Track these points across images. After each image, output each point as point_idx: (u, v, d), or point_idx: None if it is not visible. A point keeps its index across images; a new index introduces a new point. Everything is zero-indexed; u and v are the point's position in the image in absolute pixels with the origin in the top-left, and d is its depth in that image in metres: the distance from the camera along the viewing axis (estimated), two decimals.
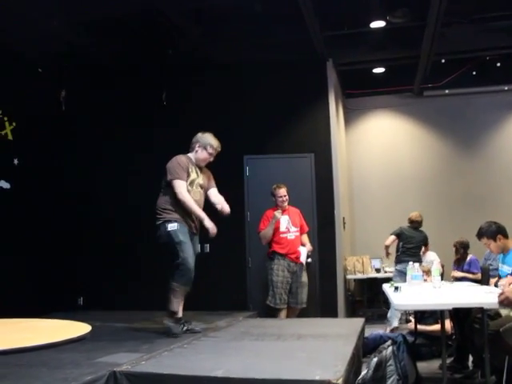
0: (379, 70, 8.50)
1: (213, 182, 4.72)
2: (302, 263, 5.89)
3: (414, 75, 8.32)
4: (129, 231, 7.19)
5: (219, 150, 4.59)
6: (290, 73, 7.18)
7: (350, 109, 9.25)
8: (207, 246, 6.65)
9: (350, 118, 9.30)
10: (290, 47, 6.87)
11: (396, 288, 4.40)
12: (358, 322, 5.04)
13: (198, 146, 4.53)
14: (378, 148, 9.20)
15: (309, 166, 7.15)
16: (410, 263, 5.26)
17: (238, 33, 6.52)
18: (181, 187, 4.31)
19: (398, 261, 7.23)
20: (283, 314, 5.84)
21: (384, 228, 8.75)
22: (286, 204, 5.97)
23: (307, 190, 7.01)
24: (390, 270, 8.22)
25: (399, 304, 3.69)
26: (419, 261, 6.86)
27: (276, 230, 5.88)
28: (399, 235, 7.38)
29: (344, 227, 7.72)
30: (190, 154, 4.57)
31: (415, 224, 7.39)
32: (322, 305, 6.19)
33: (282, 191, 5.94)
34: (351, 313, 7.95)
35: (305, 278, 5.94)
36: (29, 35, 5.92)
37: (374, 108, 9.21)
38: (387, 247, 7.39)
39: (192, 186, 4.45)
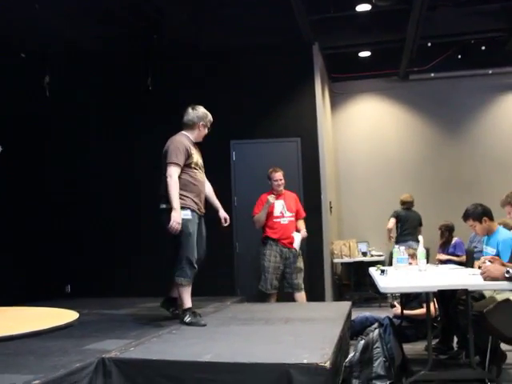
0: (365, 53, 8.50)
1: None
2: (295, 249, 5.80)
3: (399, 59, 8.31)
4: (116, 218, 7.19)
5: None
6: (276, 57, 7.16)
7: (337, 93, 9.24)
8: None
9: (336, 102, 9.28)
10: (275, 31, 6.83)
11: (382, 271, 4.42)
12: (345, 305, 5.06)
13: (201, 123, 4.39)
14: (365, 132, 9.21)
15: (295, 150, 7.17)
16: (396, 246, 5.31)
17: (223, 17, 6.47)
18: (174, 173, 4.13)
19: (397, 242, 7.37)
20: (273, 299, 5.81)
21: (370, 212, 8.83)
22: (281, 188, 5.87)
23: (294, 175, 7.01)
24: (376, 253, 8.31)
25: (385, 287, 3.70)
26: (416, 240, 6.95)
27: (269, 214, 5.79)
28: (397, 217, 7.71)
29: (331, 212, 7.75)
30: (186, 133, 4.39)
31: (408, 205, 7.81)
32: (309, 289, 6.18)
33: (278, 175, 5.85)
34: (338, 296, 8.01)
35: (300, 263, 5.83)
36: (12, 20, 5.80)
37: (360, 92, 9.21)
38: (390, 230, 7.69)
39: (197, 167, 4.32)
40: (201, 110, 4.44)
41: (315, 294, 6.56)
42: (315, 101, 7.24)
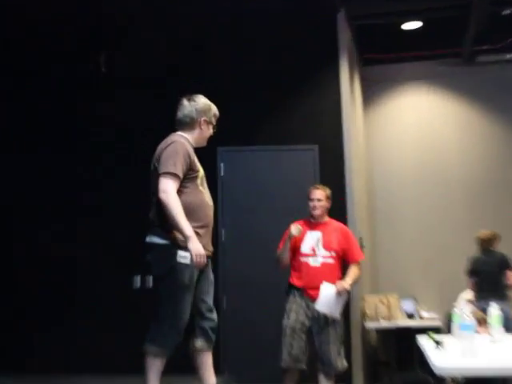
0: (412, 24, 8.51)
1: None
2: (319, 309, 5.62)
3: (462, 33, 8.31)
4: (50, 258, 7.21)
5: None
6: (285, 30, 7.23)
7: (371, 81, 9.24)
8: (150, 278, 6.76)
9: (370, 94, 9.29)
10: None
11: (437, 343, 4.37)
12: None
13: (203, 119, 4.48)
14: (411, 136, 9.17)
15: (311, 162, 7.19)
16: (460, 307, 5.24)
17: None
18: (171, 187, 4.14)
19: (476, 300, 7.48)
20: (291, 378, 5.63)
21: (420, 254, 8.75)
22: (317, 213, 5.85)
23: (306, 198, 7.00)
24: (428, 315, 8.23)
25: (442, 367, 3.64)
26: (502, 298, 7.11)
27: (296, 250, 5.77)
28: (474, 270, 7.79)
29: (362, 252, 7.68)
30: (185, 135, 4.46)
31: (485, 244, 7.87)
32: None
33: (315, 193, 5.87)
34: (373, 380, 7.91)
35: (333, 329, 5.67)
36: None
37: (405, 80, 9.22)
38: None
39: (203, 184, 4.40)
40: (201, 100, 4.52)
41: (338, 375, 6.44)
42: (340, 92, 7.27)
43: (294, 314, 5.65)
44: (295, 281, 5.74)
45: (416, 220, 9.01)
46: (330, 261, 5.75)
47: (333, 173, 7.13)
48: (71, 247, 7.21)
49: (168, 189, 4.10)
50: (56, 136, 7.51)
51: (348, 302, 6.96)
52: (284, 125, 7.30)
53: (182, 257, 4.13)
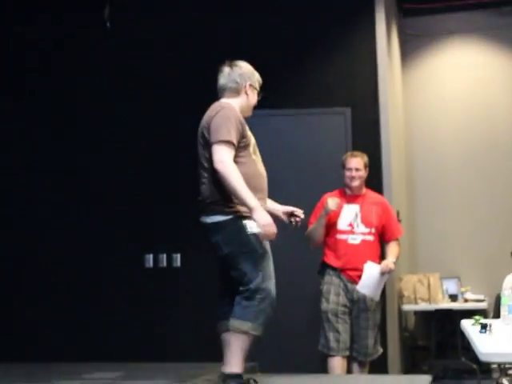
0: None
1: None
2: (361, 291, 5.75)
3: None
4: (53, 245, 7.35)
5: None
6: None
7: (411, 34, 9.12)
8: (177, 256, 7.09)
9: (410, 49, 9.17)
10: None
11: (484, 327, 4.30)
12: (422, 381, 5.06)
13: (248, 85, 4.58)
14: (457, 98, 9.04)
15: (342, 127, 7.14)
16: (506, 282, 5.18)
17: None
18: (227, 155, 4.22)
19: None
20: (338, 364, 5.71)
21: (464, 229, 8.69)
22: (356, 184, 5.86)
23: (338, 167, 6.78)
24: (474, 296, 8.18)
25: (489, 353, 3.56)
26: None
27: (331, 226, 5.77)
28: None
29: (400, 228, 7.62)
30: (232, 102, 4.53)
31: None
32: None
33: (354, 162, 5.88)
34: (410, 366, 7.96)
35: (372, 313, 5.81)
36: None
37: (450, 33, 9.05)
38: None
39: (256, 152, 4.53)
40: (244, 65, 4.64)
41: (372, 361, 6.42)
42: (376, 49, 7.20)
43: (335, 297, 5.71)
44: (331, 260, 5.78)
45: (460, 191, 8.90)
46: (370, 238, 5.80)
47: (367, 140, 7.06)
48: (81, 228, 7.36)
49: (225, 158, 4.18)
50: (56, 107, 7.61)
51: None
52: (312, 86, 7.22)
53: (252, 227, 4.25)
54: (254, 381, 4.49)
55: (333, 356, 5.67)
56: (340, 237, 5.76)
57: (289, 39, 7.26)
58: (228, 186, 4.16)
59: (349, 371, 5.88)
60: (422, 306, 7.97)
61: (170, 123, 7.17)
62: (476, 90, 9.04)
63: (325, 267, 5.81)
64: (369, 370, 5.98)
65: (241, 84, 4.54)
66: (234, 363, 4.25)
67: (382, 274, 5.72)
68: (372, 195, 6.02)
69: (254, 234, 4.24)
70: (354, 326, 5.74)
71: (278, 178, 6.90)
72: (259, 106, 7.08)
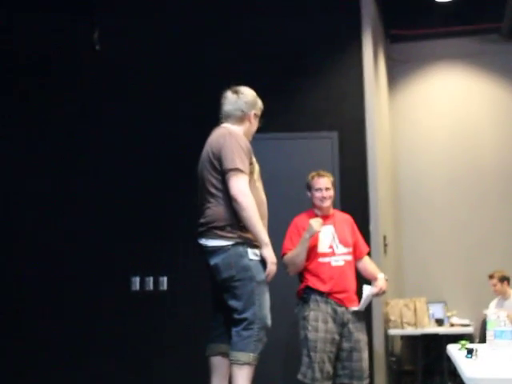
0: None
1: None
2: (355, 309, 5.62)
3: (502, 4, 8.19)
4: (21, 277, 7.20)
5: None
6: (301, 4, 7.27)
7: (398, 60, 9.20)
8: (164, 279, 6.99)
9: (396, 74, 9.28)
10: None
11: (470, 351, 4.31)
12: None
13: (253, 113, 4.65)
14: (442, 123, 9.15)
15: (329, 152, 7.16)
16: (491, 308, 5.22)
17: None
18: (245, 185, 4.30)
19: None
20: None
21: (450, 253, 8.72)
22: (327, 204, 5.73)
23: None
24: (459, 321, 8.24)
25: (475, 378, 3.56)
26: None
27: (311, 250, 5.58)
28: None
29: (385, 252, 7.66)
30: (237, 128, 4.60)
31: None
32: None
33: (323, 182, 5.72)
34: None
35: (362, 334, 5.71)
36: None
37: (436, 59, 9.20)
38: None
39: (259, 180, 4.58)
40: (249, 92, 4.68)
41: None
42: (363, 74, 7.26)
43: (323, 324, 5.51)
44: (317, 285, 5.59)
45: (446, 216, 8.98)
46: (349, 257, 5.69)
47: (354, 164, 7.13)
48: (68, 247, 7.24)
49: (245, 189, 4.27)
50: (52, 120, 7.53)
51: (369, 307, 6.96)
52: (299, 110, 7.25)
53: (254, 253, 4.33)
54: None
55: None
56: (322, 260, 5.59)
57: (276, 63, 7.27)
58: (245, 216, 4.24)
59: None
60: (409, 330, 7.99)
61: (158, 148, 7.17)
62: (462, 114, 9.16)
63: (309, 293, 5.61)
64: None
65: (246, 113, 4.60)
66: None
67: (377, 294, 5.70)
68: (338, 214, 5.94)
69: (255, 262, 4.30)
70: (344, 349, 5.57)
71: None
72: None
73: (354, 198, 7.00)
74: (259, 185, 4.52)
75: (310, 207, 5.78)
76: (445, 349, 5.28)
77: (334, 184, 5.80)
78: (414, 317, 7.95)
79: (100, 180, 7.27)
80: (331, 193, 5.72)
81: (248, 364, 4.21)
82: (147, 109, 7.21)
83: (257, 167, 4.53)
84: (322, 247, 5.61)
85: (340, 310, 5.56)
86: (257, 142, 7.04)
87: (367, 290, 5.57)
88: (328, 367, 5.49)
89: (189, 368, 6.52)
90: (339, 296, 5.57)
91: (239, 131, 4.55)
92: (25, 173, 7.38)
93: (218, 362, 4.44)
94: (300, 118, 7.23)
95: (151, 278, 6.99)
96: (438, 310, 8.33)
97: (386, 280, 5.79)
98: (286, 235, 5.73)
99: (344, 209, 6.87)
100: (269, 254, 4.29)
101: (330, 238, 5.65)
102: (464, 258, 8.34)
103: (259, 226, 4.27)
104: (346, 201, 6.99)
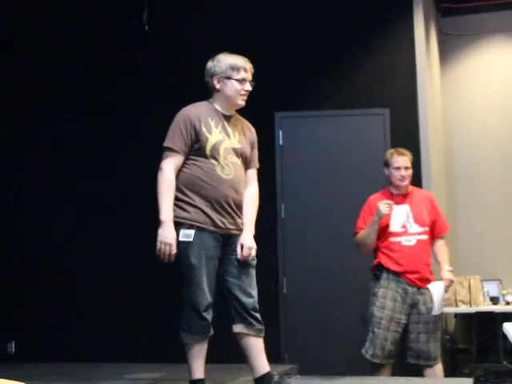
0: None
1: (255, 152, 4.61)
2: (427, 288, 5.55)
3: None
4: (78, 247, 7.40)
5: (252, 69, 4.47)
6: None
7: (450, 34, 9.10)
8: None
9: (448, 49, 9.10)
10: None
11: None
12: None
13: (215, 79, 4.39)
14: (498, 98, 8.94)
15: (380, 129, 7.16)
16: None
17: None
18: (167, 164, 4.25)
19: None
20: (385, 372, 5.56)
21: (506, 229, 8.63)
22: (405, 183, 5.66)
23: (378, 168, 6.77)
24: None
25: None
26: None
27: (384, 229, 5.59)
28: None
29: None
30: (212, 100, 4.46)
31: None
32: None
33: (402, 160, 5.64)
34: (450, 369, 7.69)
35: (434, 316, 5.59)
36: None
37: (489, 32, 8.98)
38: None
39: (216, 154, 4.30)
40: (215, 58, 4.45)
41: (411, 364, 6.44)
42: (414, 49, 7.20)
43: (391, 303, 5.50)
44: (389, 264, 5.57)
45: (500, 192, 8.82)
46: (424, 237, 5.61)
47: (406, 140, 6.94)
48: (112, 227, 7.35)
49: (162, 166, 4.24)
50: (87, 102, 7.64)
51: None
52: (350, 86, 7.25)
53: (184, 235, 4.19)
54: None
55: (379, 364, 5.49)
56: (394, 239, 5.55)
57: (327, 40, 7.28)
58: (158, 193, 4.20)
59: None
60: (463, 308, 7.95)
61: None
62: None
63: (381, 271, 5.58)
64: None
65: (210, 81, 4.41)
66: (190, 372, 4.30)
67: (447, 289, 5.67)
68: (419, 192, 5.85)
69: (184, 244, 4.19)
70: (412, 331, 5.53)
71: (315, 179, 7.02)
72: (295, 107, 7.17)
73: None
74: (216, 162, 4.28)
75: (387, 186, 5.81)
76: (500, 327, 5.24)
77: (412, 162, 5.71)
78: (469, 295, 7.91)
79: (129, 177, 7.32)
80: (410, 172, 5.65)
81: (185, 343, 4.26)
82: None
83: (211, 141, 4.28)
84: (394, 226, 5.58)
85: (411, 290, 5.53)
86: (310, 119, 7.21)
87: (435, 290, 5.52)
88: (390, 346, 5.49)
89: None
90: (410, 276, 5.52)
91: (207, 103, 4.43)
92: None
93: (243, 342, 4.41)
94: (351, 96, 7.22)
95: None
96: (492, 288, 8.22)
97: (451, 271, 5.69)
98: (360, 214, 5.72)
99: None
100: (160, 232, 4.13)
101: (404, 218, 5.60)
102: None
103: (162, 203, 4.16)
104: None
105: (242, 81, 4.37)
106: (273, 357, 6.65)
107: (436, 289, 5.51)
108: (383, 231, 5.56)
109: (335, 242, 6.88)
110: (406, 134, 7.11)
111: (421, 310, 5.53)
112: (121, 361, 6.72)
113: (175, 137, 4.25)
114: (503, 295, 8.22)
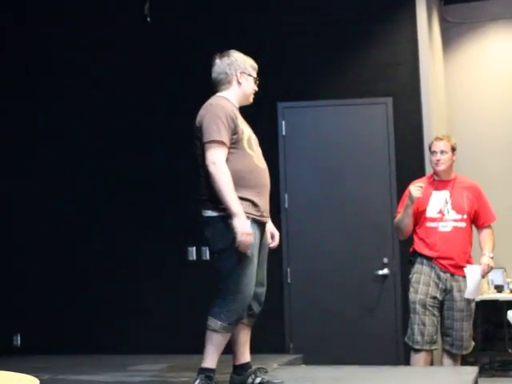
0: None
1: None
2: (463, 275, 5.52)
3: None
4: (84, 238, 7.45)
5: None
6: None
7: (452, 22, 9.09)
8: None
9: (451, 37, 9.04)
10: None
11: None
12: (468, 373, 4.95)
13: (239, 72, 4.49)
14: (501, 86, 8.92)
15: (383, 118, 7.16)
16: None
17: None
18: (219, 157, 4.25)
19: None
20: (422, 360, 5.54)
21: (509, 221, 8.65)
22: (442, 168, 5.65)
23: (381, 157, 7.03)
24: None
25: None
26: None
27: (420, 214, 5.61)
28: None
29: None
30: (225, 95, 4.52)
31: None
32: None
33: (439, 144, 5.67)
34: None
35: (467, 303, 5.58)
36: None
37: (492, 20, 8.94)
38: None
39: (251, 146, 4.43)
40: (233, 54, 4.54)
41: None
42: (417, 37, 7.18)
43: (424, 287, 5.51)
44: (422, 249, 5.58)
45: (504, 180, 8.83)
46: (462, 224, 5.60)
47: (409, 130, 7.09)
48: (123, 221, 7.35)
49: (217, 160, 4.21)
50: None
51: None
52: (352, 76, 7.24)
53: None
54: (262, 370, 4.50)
55: (416, 349, 5.48)
56: (430, 224, 5.55)
57: (329, 30, 7.23)
58: (216, 187, 4.19)
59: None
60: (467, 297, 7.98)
61: None
62: None
63: (416, 256, 5.62)
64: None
65: (231, 74, 4.47)
66: (204, 359, 4.31)
67: (484, 275, 5.61)
68: (463, 179, 5.79)
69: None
70: (446, 317, 5.52)
71: (319, 168, 7.06)
72: (298, 97, 7.21)
73: (409, 163, 6.97)
74: (251, 151, 4.40)
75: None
76: (504, 315, 5.27)
77: (454, 148, 5.70)
78: None
79: (157, 155, 7.16)
80: (447, 157, 5.62)
81: (215, 331, 4.24)
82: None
83: (246, 134, 4.40)
84: (431, 212, 5.58)
85: (444, 276, 5.53)
86: (312, 109, 7.23)
87: (470, 273, 5.48)
88: (430, 330, 5.49)
89: None
90: (444, 262, 5.52)
91: (230, 96, 4.49)
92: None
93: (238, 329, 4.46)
94: (354, 85, 7.22)
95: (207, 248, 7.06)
96: (497, 277, 8.14)
97: (492, 258, 5.66)
98: (401, 199, 5.78)
99: (399, 174, 6.94)
100: (238, 223, 4.13)
101: (442, 204, 5.58)
102: None
103: (230, 196, 4.17)
104: (402, 169, 6.98)
105: (255, 81, 4.57)
106: (278, 347, 6.80)
107: (471, 272, 5.48)
108: (420, 216, 5.59)
109: (339, 231, 6.92)
110: (409, 123, 7.14)
111: (455, 297, 5.52)
112: (126, 352, 6.76)
113: (221, 130, 4.25)
114: (508, 283, 8.19)
